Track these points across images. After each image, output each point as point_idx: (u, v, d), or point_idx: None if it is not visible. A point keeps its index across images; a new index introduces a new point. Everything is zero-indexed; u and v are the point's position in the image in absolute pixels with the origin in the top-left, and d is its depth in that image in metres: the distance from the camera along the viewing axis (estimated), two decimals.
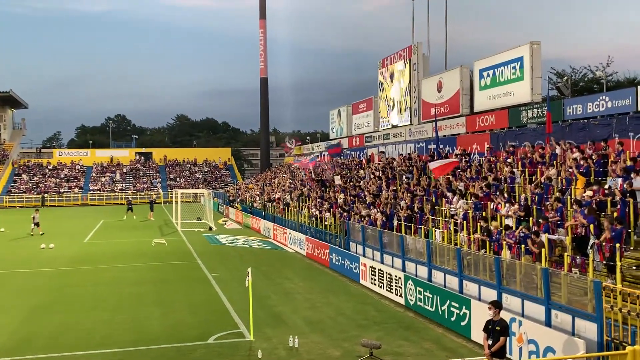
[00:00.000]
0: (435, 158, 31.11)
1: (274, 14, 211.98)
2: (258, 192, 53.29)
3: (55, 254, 30.87)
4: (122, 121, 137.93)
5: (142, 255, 29.95)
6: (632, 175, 16.32)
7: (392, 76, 45.17)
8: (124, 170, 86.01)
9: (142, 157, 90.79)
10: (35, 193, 75.79)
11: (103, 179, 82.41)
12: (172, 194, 61.17)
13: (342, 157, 52.39)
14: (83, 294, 20.98)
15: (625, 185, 16.06)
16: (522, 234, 16.17)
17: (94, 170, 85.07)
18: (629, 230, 14.91)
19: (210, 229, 42.89)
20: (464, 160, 28.77)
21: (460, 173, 25.95)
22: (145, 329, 16.27)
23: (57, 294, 21.07)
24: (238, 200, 58.00)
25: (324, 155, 57.32)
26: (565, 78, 37.29)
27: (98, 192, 78.93)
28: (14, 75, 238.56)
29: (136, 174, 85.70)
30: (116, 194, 78.73)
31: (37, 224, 39.99)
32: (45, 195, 74.75)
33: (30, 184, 78.42)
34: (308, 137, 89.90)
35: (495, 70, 31.72)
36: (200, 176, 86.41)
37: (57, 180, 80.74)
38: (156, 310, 18.49)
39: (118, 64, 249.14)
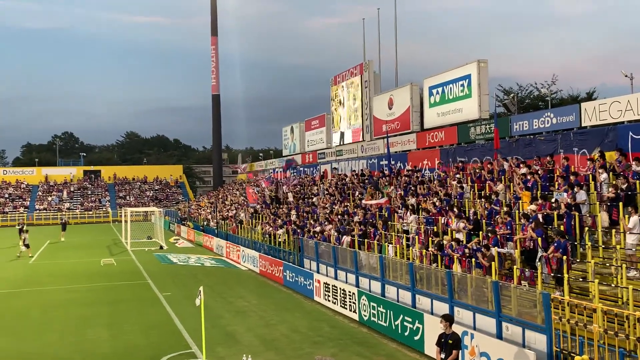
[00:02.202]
0: (387, 174, 31.47)
1: (226, 31, 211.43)
2: (209, 211, 52.74)
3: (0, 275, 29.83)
4: (69, 139, 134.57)
5: (90, 276, 29.19)
6: (575, 190, 16.81)
7: (344, 93, 45.57)
8: (72, 189, 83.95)
9: (92, 175, 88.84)
10: None
11: (50, 198, 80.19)
12: (121, 213, 60.05)
13: (295, 174, 52.39)
14: (29, 317, 20.28)
15: (569, 199, 16.52)
16: (473, 248, 16.45)
17: (40, 189, 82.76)
18: (575, 243, 15.33)
19: (161, 247, 42.18)
20: (415, 176, 29.14)
21: (412, 188, 26.26)
22: (95, 352, 15.80)
23: (3, 317, 20.31)
24: (190, 218, 57.25)
25: (277, 171, 57.27)
26: (512, 95, 38.26)
27: (44, 211, 76.72)
28: None
29: (84, 193, 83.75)
30: (63, 213, 76.65)
31: (27, 245, 38.11)
32: None
33: None
34: (261, 154, 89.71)
35: (444, 87, 32.34)
36: (151, 194, 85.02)
37: (2, 199, 78.21)
38: (105, 332, 18.01)
39: (65, 80, 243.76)
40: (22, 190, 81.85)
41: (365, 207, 26.84)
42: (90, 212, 77.76)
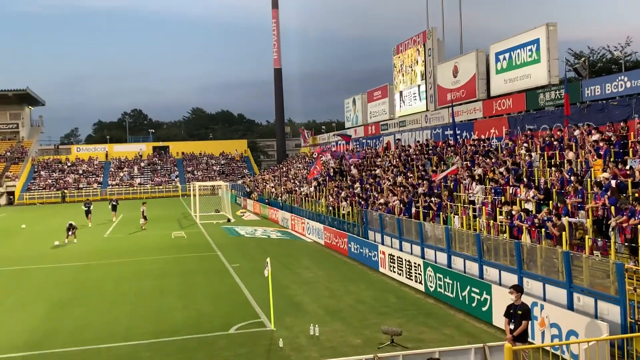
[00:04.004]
0: (452, 144, 30.95)
1: (286, 4, 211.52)
2: (273, 185, 53.34)
3: (75, 248, 31.18)
4: (138, 116, 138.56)
5: (162, 249, 30.17)
6: None
7: (407, 62, 44.88)
8: (142, 165, 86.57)
9: (161, 151, 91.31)
10: (55, 189, 76.62)
11: (121, 174, 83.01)
12: (190, 187, 61.68)
13: (356, 146, 52.19)
14: (104, 288, 21.17)
15: None
16: (544, 218, 16.04)
17: (112, 165, 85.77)
18: None
19: (229, 220, 43.09)
20: (481, 145, 28.54)
21: (479, 158, 25.76)
22: (167, 321, 16.39)
23: (79, 289, 21.27)
24: (256, 191, 58.14)
25: (340, 144, 57.23)
26: (583, 59, 36.76)
27: (117, 186, 79.55)
28: (30, 73, 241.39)
29: (154, 168, 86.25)
30: (135, 188, 79.33)
31: (145, 217, 39.89)
32: (65, 191, 75.62)
33: (50, 181, 79.26)
34: (323, 127, 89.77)
35: (512, 53, 31.37)
36: (217, 168, 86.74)
37: (76, 176, 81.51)
38: (177, 302, 18.62)
39: (133, 58, 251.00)
40: (95, 167, 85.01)
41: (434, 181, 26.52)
42: (161, 187, 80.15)
